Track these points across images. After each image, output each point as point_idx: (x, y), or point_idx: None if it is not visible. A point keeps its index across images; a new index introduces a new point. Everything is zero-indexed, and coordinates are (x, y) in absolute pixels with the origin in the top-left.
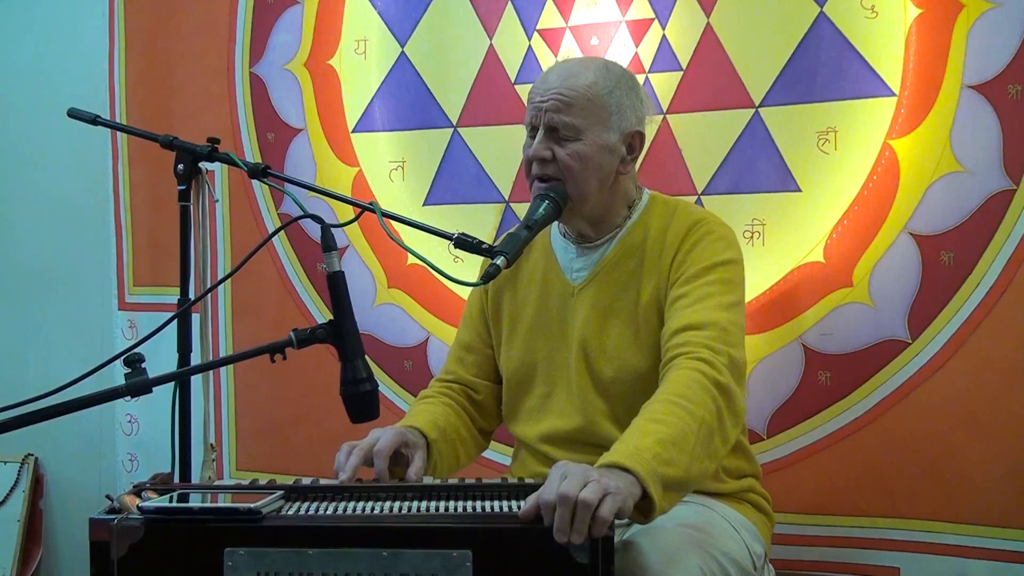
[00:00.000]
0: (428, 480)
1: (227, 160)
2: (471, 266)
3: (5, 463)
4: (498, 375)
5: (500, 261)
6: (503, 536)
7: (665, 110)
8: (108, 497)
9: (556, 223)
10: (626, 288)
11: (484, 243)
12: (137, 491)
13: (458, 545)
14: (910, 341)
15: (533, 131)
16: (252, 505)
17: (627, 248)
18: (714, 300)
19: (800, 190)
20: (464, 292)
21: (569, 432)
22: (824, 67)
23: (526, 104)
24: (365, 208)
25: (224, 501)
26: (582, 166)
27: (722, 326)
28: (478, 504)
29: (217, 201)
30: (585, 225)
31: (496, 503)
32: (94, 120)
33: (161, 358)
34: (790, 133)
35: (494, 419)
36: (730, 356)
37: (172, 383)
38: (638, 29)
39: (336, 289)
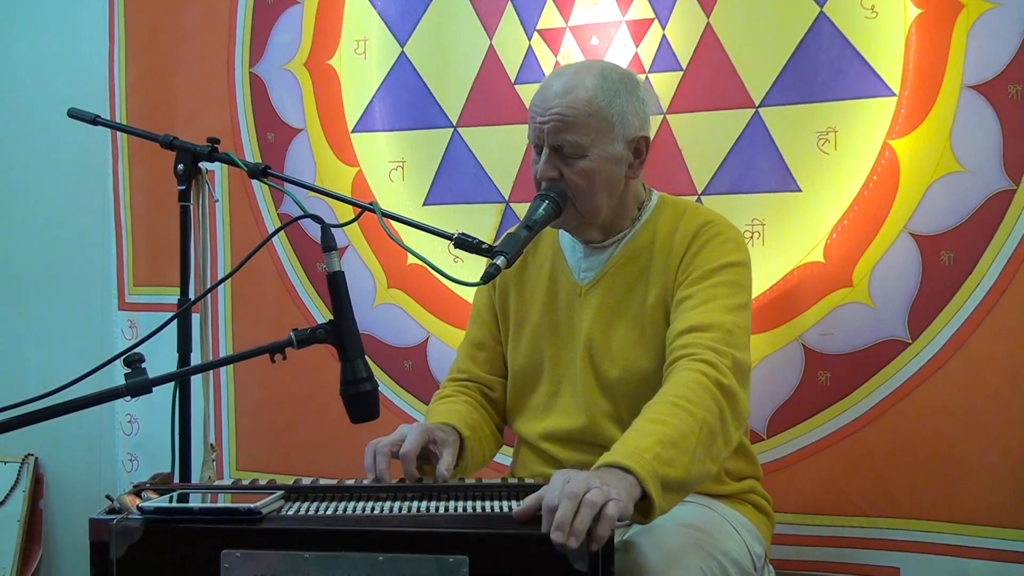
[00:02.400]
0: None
1: (227, 160)
2: (471, 266)
3: (5, 463)
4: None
5: (500, 261)
6: (500, 542)
7: (665, 110)
8: (108, 497)
9: None
10: (633, 289)
11: (484, 243)
12: (137, 491)
13: (454, 550)
14: (910, 341)
15: (538, 148)
16: (252, 505)
17: (635, 249)
18: (720, 302)
19: (800, 190)
20: (463, 292)
21: (572, 431)
22: (824, 67)
23: (528, 112)
24: (365, 208)
25: (224, 501)
26: (590, 182)
27: (727, 328)
28: (478, 504)
29: (217, 201)
30: (595, 232)
31: (496, 503)
32: (94, 120)
33: (161, 358)
34: (790, 133)
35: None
36: (734, 358)
37: (172, 383)
38: (638, 29)
39: (336, 289)
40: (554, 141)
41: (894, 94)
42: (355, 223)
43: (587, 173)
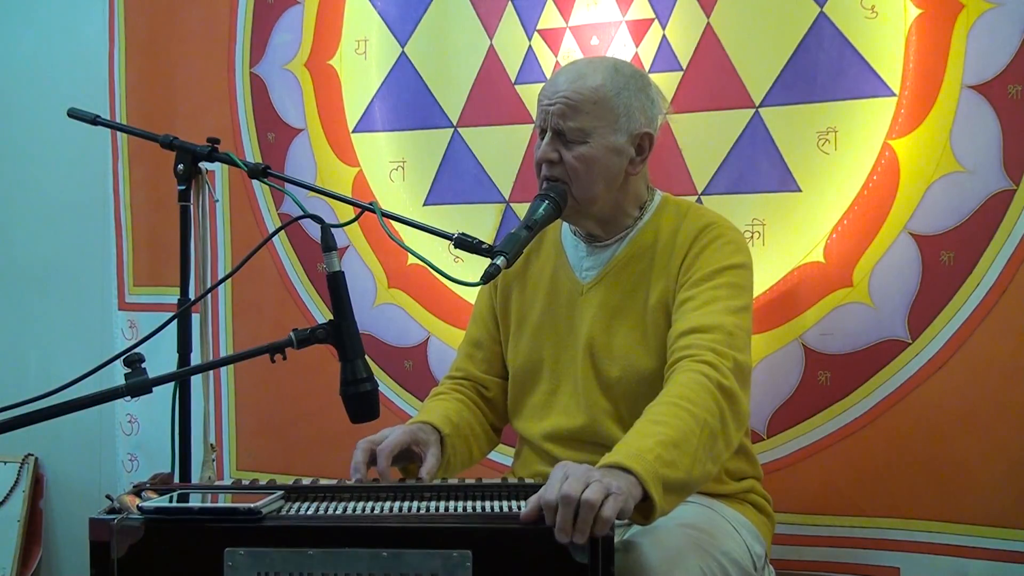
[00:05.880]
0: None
1: (227, 160)
2: (471, 266)
3: (5, 463)
4: (507, 371)
5: (500, 261)
6: (503, 536)
7: (667, 110)
8: (108, 497)
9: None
10: (635, 289)
11: (484, 243)
12: (137, 491)
13: (458, 545)
14: (910, 341)
15: (543, 133)
16: (252, 505)
17: (637, 249)
18: (721, 304)
19: (800, 190)
20: (464, 292)
21: (572, 431)
22: (824, 67)
23: (537, 100)
24: (365, 208)
25: (224, 501)
26: (588, 169)
27: (728, 330)
28: (479, 504)
29: (217, 201)
30: (594, 225)
31: (496, 503)
32: (94, 120)
33: (161, 358)
34: (790, 133)
35: (505, 416)
36: (735, 360)
37: (172, 383)
38: (638, 29)
39: (336, 289)
40: (557, 125)
41: (894, 94)
42: (355, 223)
43: (586, 159)
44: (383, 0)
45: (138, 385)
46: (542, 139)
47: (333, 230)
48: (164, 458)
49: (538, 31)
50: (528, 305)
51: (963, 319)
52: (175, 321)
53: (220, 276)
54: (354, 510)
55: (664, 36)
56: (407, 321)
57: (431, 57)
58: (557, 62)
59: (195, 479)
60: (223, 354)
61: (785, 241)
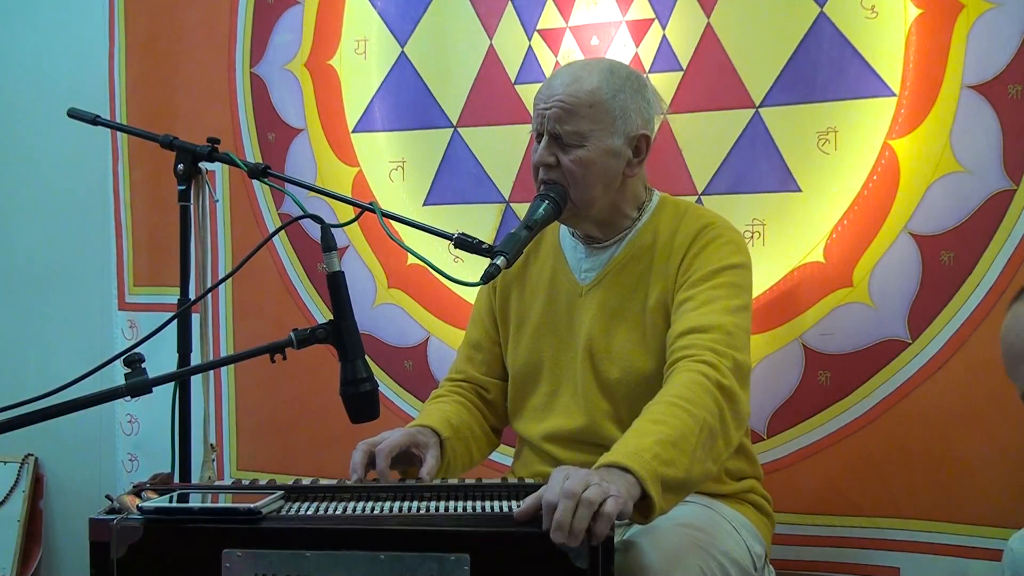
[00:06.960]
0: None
1: (227, 160)
2: (471, 266)
3: (5, 463)
4: (507, 373)
5: (500, 261)
6: (501, 540)
7: (665, 110)
8: (108, 497)
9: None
10: (634, 290)
11: (484, 243)
12: (137, 491)
13: (456, 549)
14: (910, 341)
15: (539, 136)
16: (252, 505)
17: (636, 250)
18: (720, 304)
19: (800, 190)
20: (464, 292)
21: (572, 432)
22: (824, 67)
23: (533, 106)
24: (365, 208)
25: (224, 501)
26: (585, 172)
27: (727, 330)
28: (478, 504)
29: (217, 201)
30: (592, 227)
31: (496, 503)
32: (94, 120)
33: (161, 358)
34: (790, 133)
35: (505, 417)
36: (734, 360)
37: (172, 383)
38: (638, 29)
39: (336, 289)
40: (554, 129)
41: (894, 94)
42: (355, 223)
43: (583, 162)
44: (383, 0)
45: (138, 385)
46: (539, 143)
47: (333, 230)
48: (164, 458)
49: (538, 31)
50: (527, 307)
51: (963, 319)
52: (175, 321)
53: (220, 276)
54: (354, 510)
55: (664, 36)
56: (407, 321)
57: (431, 57)
58: (557, 62)
59: (195, 479)
60: (223, 354)
61: (785, 241)
